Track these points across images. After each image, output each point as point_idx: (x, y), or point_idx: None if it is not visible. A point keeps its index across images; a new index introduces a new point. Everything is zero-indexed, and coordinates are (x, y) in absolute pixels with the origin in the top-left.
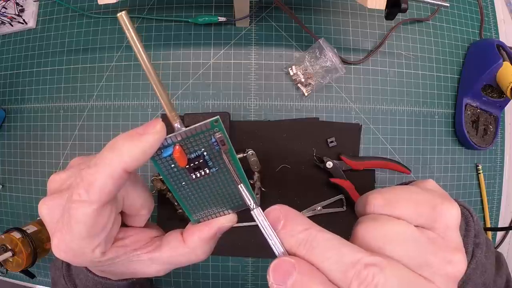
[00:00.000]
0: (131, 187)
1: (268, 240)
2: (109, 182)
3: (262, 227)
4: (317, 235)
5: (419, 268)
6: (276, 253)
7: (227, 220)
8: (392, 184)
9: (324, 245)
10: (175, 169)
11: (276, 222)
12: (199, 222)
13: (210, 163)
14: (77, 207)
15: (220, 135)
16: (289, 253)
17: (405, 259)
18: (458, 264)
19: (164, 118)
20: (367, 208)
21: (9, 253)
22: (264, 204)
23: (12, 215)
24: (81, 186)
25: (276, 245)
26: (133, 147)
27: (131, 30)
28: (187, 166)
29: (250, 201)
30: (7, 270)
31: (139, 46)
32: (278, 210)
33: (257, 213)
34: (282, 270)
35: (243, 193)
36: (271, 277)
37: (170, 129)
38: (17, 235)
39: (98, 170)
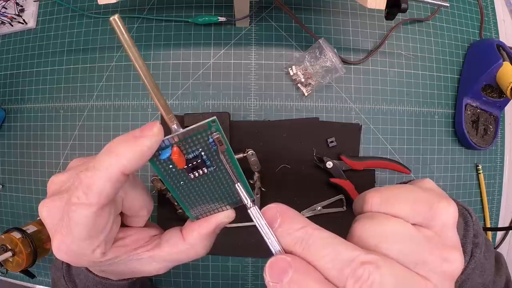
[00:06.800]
0: (130, 188)
1: (265, 238)
2: (107, 185)
3: (259, 225)
4: (313, 233)
5: (416, 266)
6: (273, 251)
7: (226, 216)
8: (392, 184)
9: (320, 243)
10: (173, 169)
11: (273, 220)
12: (198, 218)
13: (208, 163)
14: (76, 209)
15: (218, 135)
16: (285, 251)
17: (401, 257)
18: (455, 262)
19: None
20: (364, 206)
21: (9, 253)
22: (264, 204)
23: (12, 215)
24: (80, 189)
25: (272, 243)
26: (131, 150)
27: (125, 34)
28: (185, 166)
29: (247, 200)
30: (7, 270)
31: (134, 51)
32: (275, 208)
33: (254, 212)
34: (278, 268)
35: (240, 192)
36: (267, 275)
37: (168, 129)
38: (17, 235)
39: (96, 173)
